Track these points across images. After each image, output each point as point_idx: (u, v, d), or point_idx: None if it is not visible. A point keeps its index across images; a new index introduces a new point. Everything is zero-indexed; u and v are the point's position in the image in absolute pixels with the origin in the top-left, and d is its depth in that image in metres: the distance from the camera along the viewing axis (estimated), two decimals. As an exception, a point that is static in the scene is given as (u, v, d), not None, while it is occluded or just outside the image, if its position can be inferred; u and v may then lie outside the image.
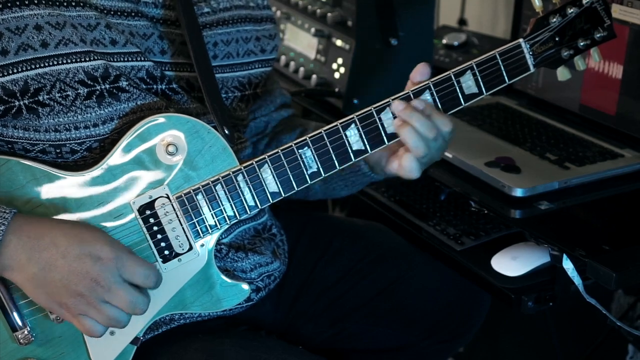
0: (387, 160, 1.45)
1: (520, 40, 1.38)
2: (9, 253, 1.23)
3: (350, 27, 2.01)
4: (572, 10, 1.38)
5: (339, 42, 2.04)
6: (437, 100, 1.37)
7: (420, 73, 1.38)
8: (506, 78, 1.39)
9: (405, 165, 1.38)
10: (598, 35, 1.40)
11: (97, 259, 1.24)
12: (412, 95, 1.36)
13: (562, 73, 1.42)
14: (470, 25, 2.71)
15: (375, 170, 1.51)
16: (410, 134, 1.34)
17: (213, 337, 1.46)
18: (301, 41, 2.20)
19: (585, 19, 1.39)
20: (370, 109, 1.36)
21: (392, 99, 1.36)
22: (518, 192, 1.59)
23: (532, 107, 2.01)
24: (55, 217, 1.31)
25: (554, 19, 1.38)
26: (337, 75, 2.04)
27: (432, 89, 1.36)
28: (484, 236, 1.67)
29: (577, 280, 1.45)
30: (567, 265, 1.45)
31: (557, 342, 2.20)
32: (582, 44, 1.40)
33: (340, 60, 2.03)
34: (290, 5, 2.26)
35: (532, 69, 1.39)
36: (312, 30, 2.13)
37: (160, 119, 1.33)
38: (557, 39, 1.39)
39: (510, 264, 1.57)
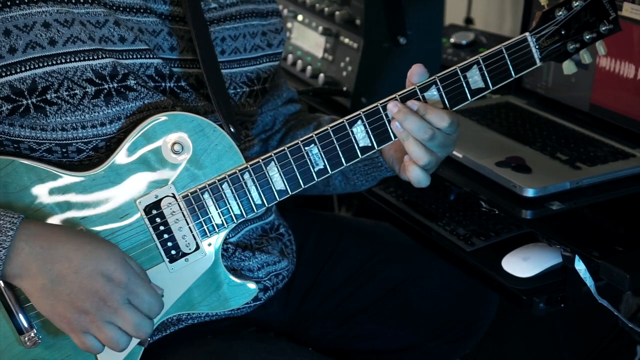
0: (399, 170, 1.44)
1: (527, 34, 1.37)
2: (20, 262, 1.22)
3: (359, 26, 2.01)
4: (577, 3, 1.37)
5: (346, 41, 2.03)
6: (444, 95, 1.36)
7: (417, 74, 1.36)
8: (512, 72, 1.37)
9: (412, 178, 1.37)
10: (604, 29, 1.38)
11: (109, 279, 1.23)
12: (418, 91, 1.35)
13: (568, 67, 1.41)
14: (476, 24, 2.70)
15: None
16: (409, 142, 1.34)
17: (222, 339, 1.45)
18: (309, 40, 2.19)
19: (591, 12, 1.38)
20: (377, 105, 1.35)
21: (399, 95, 1.35)
22: (529, 192, 1.57)
23: (541, 107, 2.00)
24: (66, 222, 1.30)
25: (560, 13, 1.37)
26: (344, 74, 2.03)
27: (439, 83, 1.35)
28: (494, 237, 1.66)
29: (589, 281, 1.44)
30: (579, 266, 1.44)
31: (564, 343, 2.19)
32: (587, 37, 1.39)
33: (348, 59, 2.02)
34: (298, 3, 2.26)
35: (538, 63, 1.38)
36: (320, 28, 2.12)
37: (164, 117, 1.32)
38: (562, 32, 1.38)
39: (521, 264, 1.55)
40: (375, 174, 1.56)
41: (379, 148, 1.36)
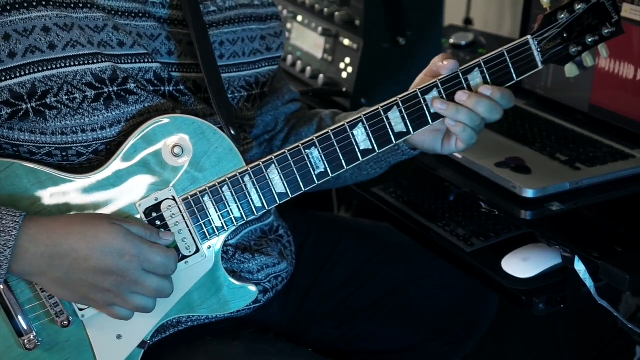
0: (442, 143, 1.45)
1: (528, 36, 1.37)
2: (27, 261, 1.22)
3: (358, 27, 2.01)
4: (579, 6, 1.37)
5: (346, 42, 2.03)
6: (445, 99, 1.36)
7: (447, 68, 1.37)
8: (514, 75, 1.38)
9: (464, 137, 1.39)
10: (606, 31, 1.39)
11: (120, 255, 1.24)
12: (419, 93, 1.35)
13: (570, 70, 1.41)
14: (475, 25, 2.70)
15: (423, 150, 1.51)
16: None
17: (221, 340, 1.45)
18: (308, 40, 2.19)
19: (593, 15, 1.38)
20: (378, 108, 1.35)
21: (399, 98, 1.35)
22: (529, 193, 1.57)
23: (541, 107, 1.99)
24: (65, 216, 1.30)
25: (562, 15, 1.37)
26: (344, 74, 2.03)
27: (440, 86, 1.36)
28: (493, 237, 1.66)
29: (588, 282, 1.44)
30: (579, 267, 1.44)
31: (564, 343, 2.19)
32: (590, 40, 1.39)
33: (347, 60, 2.02)
34: (297, 4, 2.25)
35: (540, 66, 1.38)
36: (320, 29, 2.12)
37: (165, 120, 1.32)
38: (565, 35, 1.38)
39: (521, 265, 1.55)
40: (391, 159, 1.56)
41: (380, 151, 1.36)
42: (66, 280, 1.24)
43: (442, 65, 1.37)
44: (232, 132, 1.36)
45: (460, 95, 1.36)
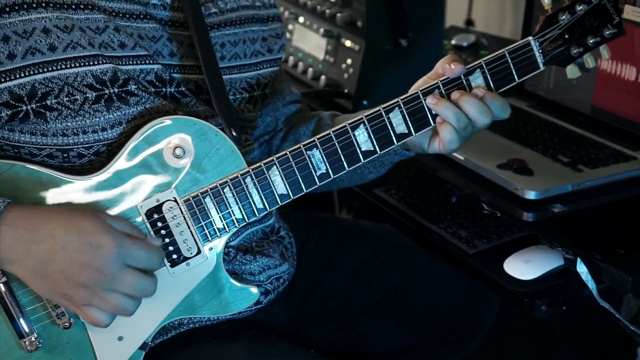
0: (430, 141, 1.43)
1: (530, 38, 1.37)
2: (5, 246, 1.20)
3: (360, 28, 2.01)
4: (581, 7, 1.36)
5: (348, 43, 2.03)
6: None
7: (454, 73, 1.36)
8: (516, 76, 1.37)
9: (445, 137, 1.36)
10: (607, 33, 1.38)
11: (98, 247, 1.21)
12: (420, 95, 1.35)
13: (572, 71, 1.41)
14: (477, 26, 2.69)
15: (413, 150, 1.49)
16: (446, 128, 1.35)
17: (223, 342, 1.45)
18: (310, 42, 2.19)
19: (595, 16, 1.38)
20: (379, 109, 1.35)
21: (401, 99, 1.35)
22: (531, 195, 1.57)
23: (543, 109, 1.99)
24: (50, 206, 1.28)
25: (563, 17, 1.37)
26: (346, 76, 2.03)
27: (441, 87, 1.36)
28: (495, 239, 1.66)
29: (591, 284, 1.44)
30: (581, 269, 1.44)
31: (564, 343, 2.19)
32: (591, 41, 1.39)
33: (349, 61, 2.02)
34: (299, 5, 2.25)
35: (541, 67, 1.38)
36: (321, 30, 2.12)
37: (166, 121, 1.32)
38: (566, 36, 1.38)
39: (523, 267, 1.55)
40: (383, 159, 1.54)
41: (382, 152, 1.36)
42: (42, 270, 1.20)
43: (448, 68, 1.36)
44: (234, 134, 1.36)
45: (454, 94, 1.35)
